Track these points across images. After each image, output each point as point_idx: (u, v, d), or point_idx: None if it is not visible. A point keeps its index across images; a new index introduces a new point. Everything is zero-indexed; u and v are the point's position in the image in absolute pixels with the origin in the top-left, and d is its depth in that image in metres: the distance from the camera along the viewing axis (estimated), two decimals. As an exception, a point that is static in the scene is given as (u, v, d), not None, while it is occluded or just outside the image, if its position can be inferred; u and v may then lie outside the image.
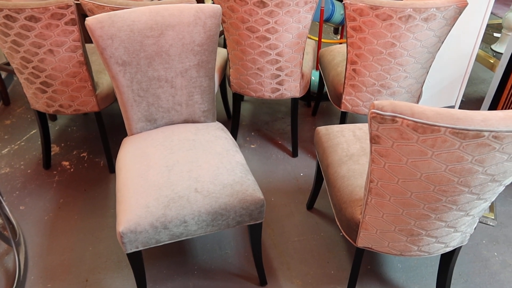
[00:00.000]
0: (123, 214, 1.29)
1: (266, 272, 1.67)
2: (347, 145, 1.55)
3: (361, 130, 1.64)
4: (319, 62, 2.39)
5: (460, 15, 1.67)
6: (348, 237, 1.37)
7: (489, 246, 1.79)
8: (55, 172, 2.18)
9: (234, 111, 2.25)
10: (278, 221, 1.90)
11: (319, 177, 1.80)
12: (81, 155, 2.30)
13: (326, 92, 2.72)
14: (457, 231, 1.23)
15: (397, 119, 0.93)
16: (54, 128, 2.51)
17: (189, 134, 1.59)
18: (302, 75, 2.04)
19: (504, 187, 1.12)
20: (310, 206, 1.94)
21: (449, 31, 1.75)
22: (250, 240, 1.50)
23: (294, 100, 2.14)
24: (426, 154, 0.97)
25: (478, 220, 1.23)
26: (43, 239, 1.81)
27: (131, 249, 1.31)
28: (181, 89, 1.60)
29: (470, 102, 2.80)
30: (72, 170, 2.19)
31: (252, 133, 2.45)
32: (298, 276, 1.66)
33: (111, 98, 2.06)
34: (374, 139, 1.02)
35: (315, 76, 2.71)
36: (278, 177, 2.14)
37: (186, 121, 1.69)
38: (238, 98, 2.20)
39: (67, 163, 2.24)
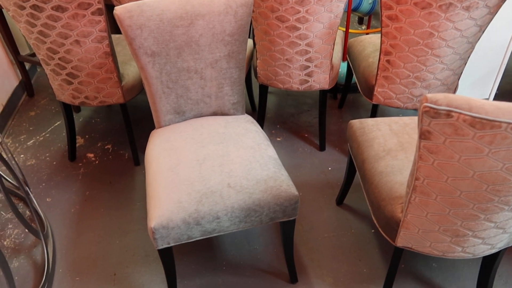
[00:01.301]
0: (155, 210, 1.26)
1: (296, 269, 1.63)
2: (384, 140, 1.48)
3: (397, 124, 1.57)
4: (347, 53, 2.31)
5: (504, 2, 1.58)
6: (387, 236, 1.31)
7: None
8: (80, 164, 2.17)
9: (261, 104, 2.20)
10: (307, 217, 1.85)
11: (351, 172, 1.74)
12: (106, 147, 2.28)
13: (353, 84, 2.64)
14: (505, 232, 1.17)
15: (453, 113, 0.87)
16: (78, 119, 2.50)
17: (218, 127, 1.55)
18: (332, 67, 1.97)
19: None
20: (340, 201, 1.89)
21: (491, 20, 1.66)
22: (282, 237, 1.46)
23: (322, 92, 2.07)
24: (482, 151, 0.91)
25: None
26: (70, 231, 1.80)
27: (163, 245, 1.28)
28: (211, 80, 1.56)
29: (505, 95, 2.68)
30: (97, 162, 2.18)
31: (278, 126, 2.40)
32: (329, 274, 1.61)
33: (136, 90, 2.03)
34: (424, 135, 0.95)
35: (342, 68, 2.63)
36: (306, 171, 2.09)
37: (215, 114, 1.65)
38: (265, 90, 2.15)
39: (92, 155, 2.22)
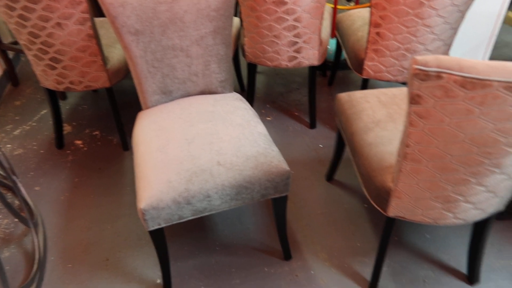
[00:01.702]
0: (144, 190, 1.24)
1: (290, 247, 1.62)
2: (373, 111, 1.47)
3: (386, 95, 1.55)
4: (336, 29, 2.28)
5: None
6: (378, 207, 1.30)
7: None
8: (68, 151, 2.13)
9: (249, 83, 2.17)
10: (299, 194, 1.84)
11: (340, 147, 1.73)
12: (94, 133, 2.24)
13: (342, 60, 2.61)
14: (496, 196, 1.16)
15: (443, 75, 0.85)
16: (64, 107, 2.45)
17: (207, 105, 1.52)
18: (321, 42, 1.94)
19: None
20: (330, 177, 1.87)
21: (481, -13, 1.63)
22: (274, 214, 1.44)
23: (311, 69, 2.04)
24: (473, 113, 0.89)
25: None
26: (61, 219, 1.77)
27: (153, 226, 1.26)
28: (197, 58, 1.52)
29: (494, 67, 2.67)
30: (85, 149, 2.14)
31: (267, 105, 2.37)
32: (323, 250, 1.61)
33: (122, 73, 1.99)
34: (414, 99, 0.93)
35: (331, 45, 2.60)
36: (297, 150, 2.07)
37: (202, 93, 1.62)
38: (253, 68, 2.11)
39: (80, 142, 2.18)
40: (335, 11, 2.47)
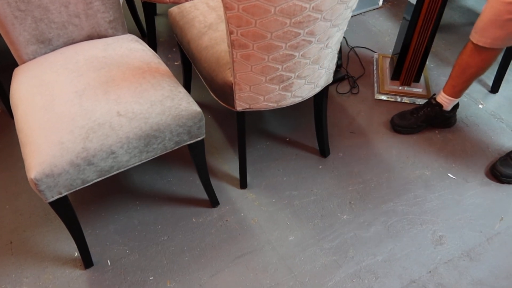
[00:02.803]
0: (32, 157, 1.04)
1: (215, 192, 1.54)
2: (204, 17, 1.47)
3: (214, 0, 1.54)
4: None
5: None
6: (226, 105, 1.34)
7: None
8: None
9: (148, 25, 1.94)
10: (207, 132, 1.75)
11: (187, 63, 1.72)
12: (-30, 103, 1.90)
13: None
14: (321, 67, 1.28)
15: None
16: None
17: (97, 51, 1.31)
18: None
19: (351, 13, 1.17)
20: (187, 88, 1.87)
21: None
22: (193, 160, 1.34)
23: None
24: None
25: (337, 56, 1.34)
26: None
27: (53, 196, 1.09)
28: (74, -5, 1.28)
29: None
30: (-38, 123, 1.81)
31: (174, 49, 2.17)
32: (250, 189, 1.56)
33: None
34: None
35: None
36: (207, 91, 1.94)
37: (90, 37, 1.39)
38: (150, 8, 1.88)
39: (-46, 116, 1.84)
40: None
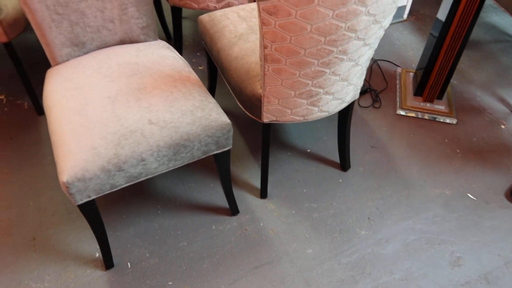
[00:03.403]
0: (65, 161, 1.07)
1: (236, 200, 1.55)
2: (234, 27, 1.48)
3: (244, 10, 1.56)
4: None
5: None
6: (254, 116, 1.35)
7: (452, 144, 1.80)
8: (-32, 121, 1.82)
9: (175, 30, 1.96)
10: (234, 143, 1.76)
11: (213, 69, 1.74)
12: (-2, 98, 1.93)
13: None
14: (350, 84, 1.28)
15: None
16: (-45, 69, 2.07)
17: (129, 56, 1.33)
18: (250, -21, 1.77)
19: (384, 32, 1.18)
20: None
21: None
22: (218, 169, 1.35)
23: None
24: (313, 1, 0.95)
25: (365, 71, 1.34)
26: (-29, 200, 1.53)
27: (82, 199, 1.11)
28: (111, 1, 1.30)
29: None
30: (-11, 117, 1.84)
31: (198, 54, 2.19)
32: (270, 199, 1.57)
33: (21, 24, 1.68)
34: None
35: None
36: (232, 98, 1.96)
37: (122, 42, 1.41)
38: (178, 12, 1.91)
39: (-19, 110, 1.88)
40: None
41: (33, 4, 1.19)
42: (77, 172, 1.05)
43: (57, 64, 1.34)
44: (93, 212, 1.19)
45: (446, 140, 1.81)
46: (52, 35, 1.27)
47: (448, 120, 1.89)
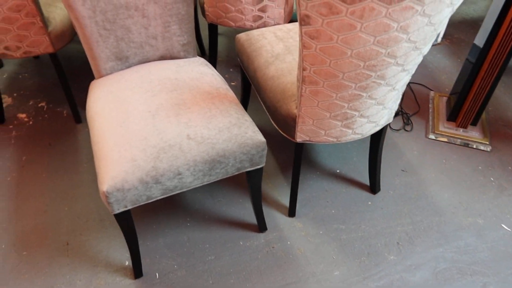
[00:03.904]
0: (106, 171, 1.11)
1: (265, 217, 1.56)
2: (271, 47, 1.51)
3: (281, 30, 1.59)
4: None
5: None
6: (287, 135, 1.36)
7: (485, 172, 1.76)
8: (11, 126, 1.90)
9: (211, 46, 2.01)
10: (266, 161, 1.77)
11: (246, 86, 1.78)
12: (39, 105, 2.02)
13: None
14: (385, 108, 1.29)
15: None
16: (1, 76, 2.18)
17: (169, 72, 1.37)
18: (287, 0, 1.81)
19: (422, 58, 1.19)
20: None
21: None
22: (249, 186, 1.37)
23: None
24: (355, 27, 0.96)
25: (401, 96, 1.35)
26: (9, 202, 1.59)
27: (119, 209, 1.14)
28: (155, 18, 1.35)
29: None
30: (31, 123, 1.92)
31: (231, 70, 2.24)
32: (298, 219, 1.57)
33: (67, 37, 1.76)
34: (304, 20, 0.98)
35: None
36: (265, 115, 1.98)
37: (163, 58, 1.46)
38: (214, 30, 1.96)
39: (24, 116, 1.96)
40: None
41: (84, 20, 1.25)
42: (117, 183, 1.08)
43: (101, 76, 1.40)
44: (128, 222, 1.22)
45: (480, 168, 1.78)
46: (98, 49, 1.33)
47: (482, 147, 1.85)
